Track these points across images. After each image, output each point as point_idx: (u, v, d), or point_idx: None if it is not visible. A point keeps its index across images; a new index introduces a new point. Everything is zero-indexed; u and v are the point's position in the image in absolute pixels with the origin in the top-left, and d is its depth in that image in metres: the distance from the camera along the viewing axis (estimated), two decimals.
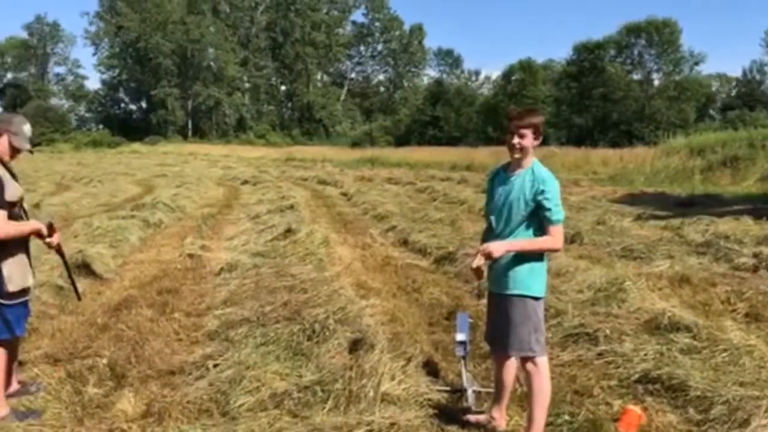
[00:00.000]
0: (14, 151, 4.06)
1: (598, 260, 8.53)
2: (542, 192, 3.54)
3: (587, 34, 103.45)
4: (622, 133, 46.91)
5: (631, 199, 16.61)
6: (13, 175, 4.09)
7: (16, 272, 3.99)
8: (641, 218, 12.67)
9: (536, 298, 3.68)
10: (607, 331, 5.36)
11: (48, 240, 4.23)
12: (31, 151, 4.20)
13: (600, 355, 5.10)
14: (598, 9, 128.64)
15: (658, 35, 51.41)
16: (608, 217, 12.23)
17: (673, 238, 10.29)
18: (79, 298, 5.04)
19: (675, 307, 5.91)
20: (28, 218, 4.19)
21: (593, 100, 50.63)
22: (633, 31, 52.60)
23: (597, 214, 13.06)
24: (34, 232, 4.12)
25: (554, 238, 3.61)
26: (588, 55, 51.84)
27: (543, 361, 3.71)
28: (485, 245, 3.61)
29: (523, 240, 3.63)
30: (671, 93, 50.54)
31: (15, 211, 4.02)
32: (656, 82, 54.02)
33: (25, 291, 4.10)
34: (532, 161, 3.68)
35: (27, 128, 4.08)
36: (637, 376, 4.67)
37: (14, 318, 4.01)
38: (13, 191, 3.96)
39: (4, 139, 3.98)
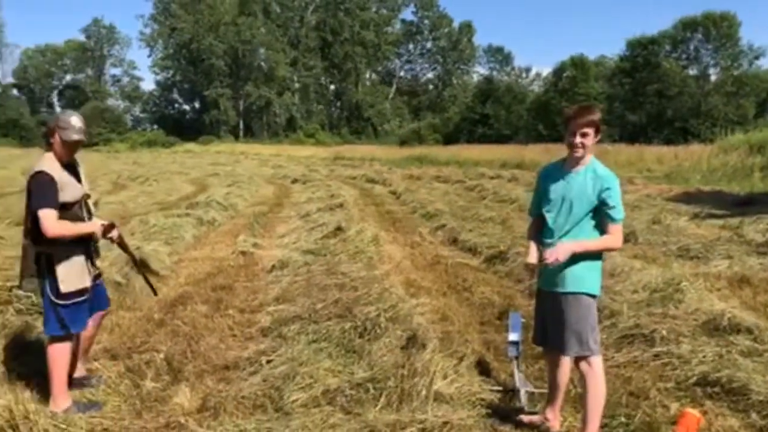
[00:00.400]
0: (67, 147, 4.06)
1: (654, 260, 8.35)
2: (607, 190, 3.52)
3: (639, 30, 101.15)
4: (677, 130, 45.75)
5: (687, 198, 16.19)
6: (76, 174, 4.19)
7: (72, 273, 4.06)
8: (698, 217, 12.36)
9: (592, 296, 3.63)
10: (664, 332, 5.24)
11: (109, 235, 4.32)
12: (83, 141, 4.13)
13: (656, 356, 4.99)
14: (650, 4, 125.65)
15: (716, 29, 49.99)
16: (664, 216, 11.93)
17: (731, 238, 10.00)
18: (155, 293, 5.13)
19: (735, 309, 5.73)
20: (91, 217, 4.27)
21: (647, 96, 49.54)
22: (689, 25, 51.25)
23: (652, 212, 12.77)
24: (87, 234, 4.16)
25: (615, 236, 3.60)
26: (642, 51, 50.76)
27: (598, 360, 3.65)
28: (553, 252, 3.53)
29: (587, 241, 3.59)
30: (729, 88, 49.07)
31: (75, 210, 4.09)
32: (713, 78, 52.58)
33: (81, 291, 4.14)
34: (590, 158, 3.64)
35: (75, 120, 4.05)
36: (695, 378, 4.56)
37: (69, 316, 4.07)
38: (71, 191, 4.03)
39: (57, 137, 4.02)
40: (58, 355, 4.10)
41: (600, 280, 3.71)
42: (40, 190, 3.92)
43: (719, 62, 51.78)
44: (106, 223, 4.31)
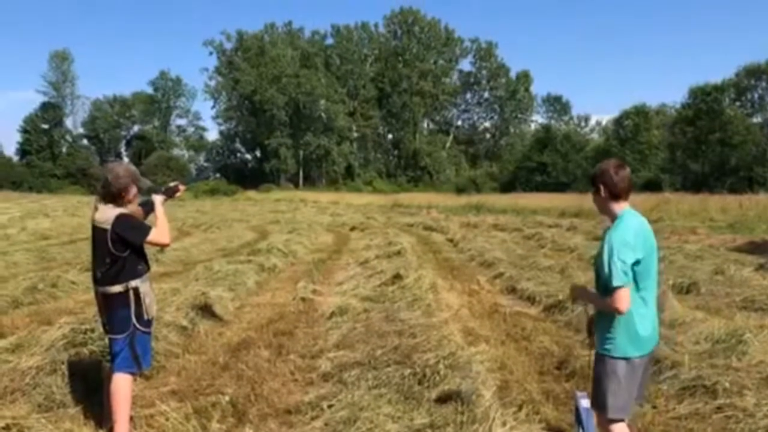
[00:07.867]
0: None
1: (717, 311, 8.19)
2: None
3: (699, 78, 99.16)
4: (741, 179, 44.60)
5: (753, 248, 15.72)
6: None
7: (152, 301, 4.43)
8: (763, 268, 11.98)
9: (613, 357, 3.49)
10: (727, 384, 5.14)
11: (177, 195, 4.86)
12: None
13: (719, 408, 4.89)
14: (711, 52, 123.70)
15: None
16: (727, 267, 11.67)
17: None
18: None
19: None
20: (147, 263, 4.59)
21: (710, 144, 48.58)
22: (753, 73, 50.47)
23: (715, 263, 12.50)
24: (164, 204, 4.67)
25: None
26: (705, 98, 49.98)
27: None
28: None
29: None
30: None
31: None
32: None
33: (152, 320, 4.50)
34: (620, 213, 3.66)
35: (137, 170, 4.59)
36: (760, 431, 4.48)
37: (142, 349, 4.35)
38: None
39: (134, 188, 4.42)
40: (124, 393, 4.31)
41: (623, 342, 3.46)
42: (133, 224, 4.30)
43: None
44: (163, 197, 4.71)
